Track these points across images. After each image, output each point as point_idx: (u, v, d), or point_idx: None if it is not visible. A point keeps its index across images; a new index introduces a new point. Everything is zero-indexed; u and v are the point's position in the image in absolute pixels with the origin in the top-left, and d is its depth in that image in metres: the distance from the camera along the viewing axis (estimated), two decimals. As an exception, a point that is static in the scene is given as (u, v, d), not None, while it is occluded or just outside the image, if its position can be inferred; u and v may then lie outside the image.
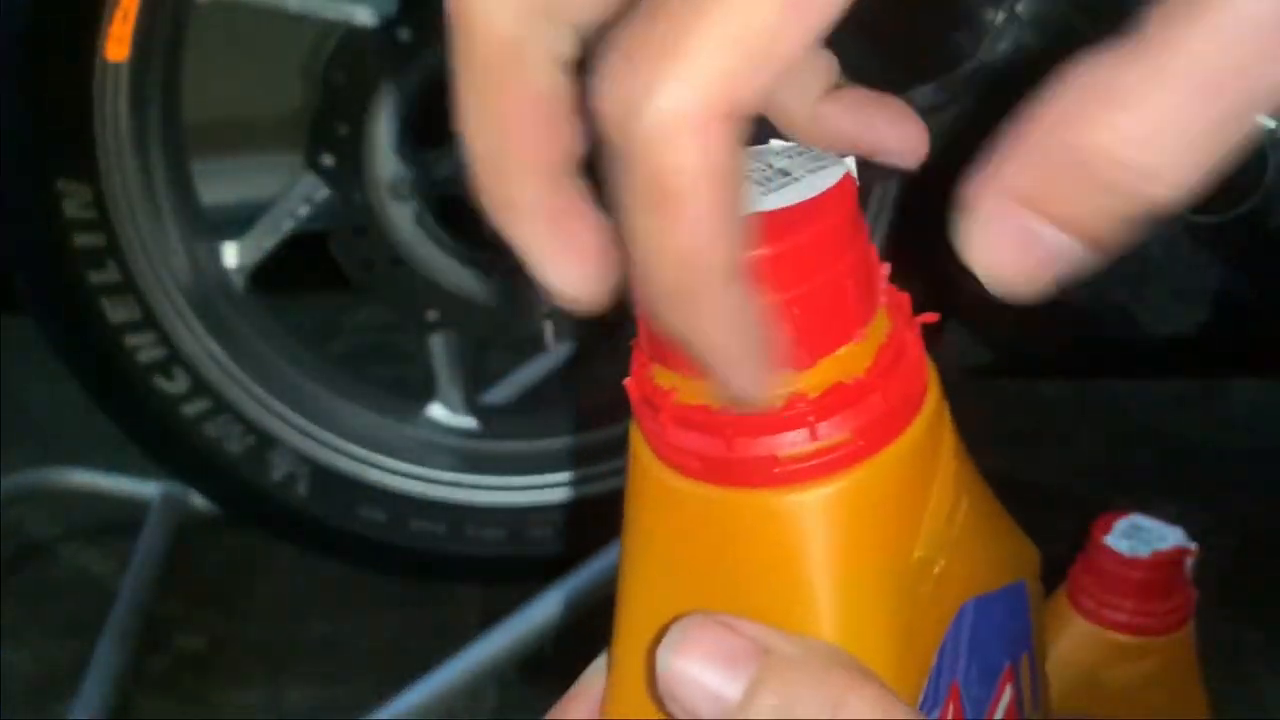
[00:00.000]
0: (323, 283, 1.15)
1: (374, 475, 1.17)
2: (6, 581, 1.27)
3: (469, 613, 1.21)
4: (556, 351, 1.27)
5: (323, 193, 1.10)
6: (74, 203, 1.02)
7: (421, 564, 1.19)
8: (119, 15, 1.00)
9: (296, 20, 1.05)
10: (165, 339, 1.09)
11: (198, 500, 1.27)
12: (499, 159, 0.29)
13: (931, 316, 0.33)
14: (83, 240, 1.04)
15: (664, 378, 0.30)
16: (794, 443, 0.29)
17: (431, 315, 1.11)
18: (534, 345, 1.15)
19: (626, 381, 0.31)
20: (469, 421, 1.21)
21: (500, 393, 1.40)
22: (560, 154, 0.29)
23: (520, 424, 1.24)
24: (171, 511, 1.27)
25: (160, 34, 1.05)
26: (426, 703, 1.01)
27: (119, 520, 1.31)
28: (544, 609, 1.01)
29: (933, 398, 0.32)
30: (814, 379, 0.29)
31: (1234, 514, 1.32)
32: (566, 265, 0.30)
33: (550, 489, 1.19)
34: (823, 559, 0.30)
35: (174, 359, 1.09)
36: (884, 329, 0.31)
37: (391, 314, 1.12)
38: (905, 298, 0.32)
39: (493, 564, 1.19)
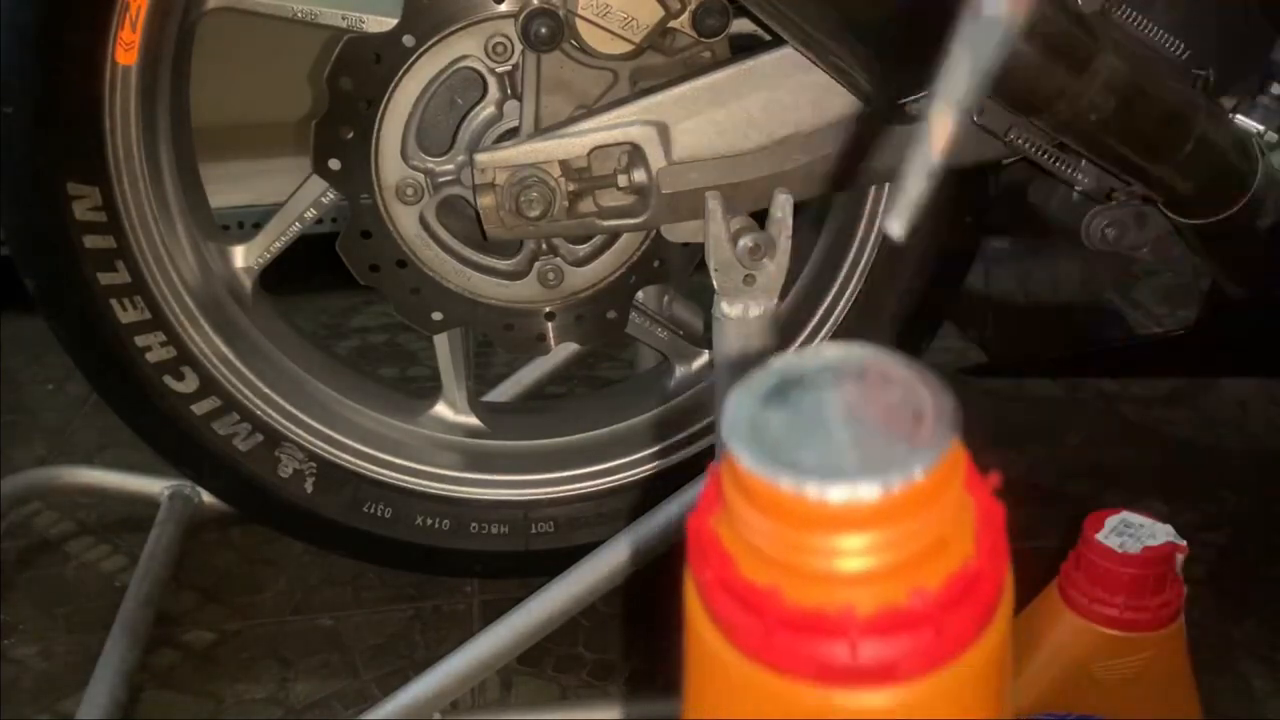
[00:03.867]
0: (329, 284, 1.15)
1: (379, 473, 1.18)
2: (17, 578, 1.28)
3: (472, 607, 1.22)
4: (557, 351, 1.28)
5: (330, 196, 1.10)
6: (84, 205, 1.03)
7: (426, 559, 1.20)
8: (128, 20, 1.00)
9: (303, 26, 1.05)
10: (174, 339, 1.09)
11: (206, 497, 1.28)
12: None
13: (995, 476, 0.31)
14: (93, 242, 1.04)
15: (759, 571, 0.29)
16: (832, 651, 0.28)
17: (436, 316, 1.12)
18: (537, 345, 1.16)
19: (697, 565, 0.30)
20: (473, 420, 1.22)
21: (503, 392, 1.41)
22: None
23: (522, 423, 1.26)
24: (180, 509, 1.28)
25: (169, 39, 1.05)
26: (430, 696, 1.01)
27: (128, 517, 1.33)
28: (546, 603, 1.01)
29: (1000, 623, 0.30)
30: (869, 590, 0.28)
31: (1223, 511, 1.33)
32: None
33: (553, 486, 1.20)
34: None
35: (183, 359, 1.10)
36: (965, 550, 0.29)
37: (397, 315, 1.13)
38: (999, 511, 0.31)
39: (496, 559, 1.20)
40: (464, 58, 1.03)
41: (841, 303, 1.18)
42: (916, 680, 0.28)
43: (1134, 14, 0.94)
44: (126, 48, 1.01)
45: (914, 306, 1.16)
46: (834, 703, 0.28)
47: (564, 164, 0.97)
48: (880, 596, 0.28)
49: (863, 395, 0.31)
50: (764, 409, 0.31)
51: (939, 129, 0.30)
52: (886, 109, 0.93)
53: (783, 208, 0.93)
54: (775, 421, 0.30)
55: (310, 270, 1.18)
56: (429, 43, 1.02)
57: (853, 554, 0.28)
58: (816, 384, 0.31)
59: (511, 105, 1.04)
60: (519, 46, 1.01)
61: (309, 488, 1.16)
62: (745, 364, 0.95)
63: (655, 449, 1.21)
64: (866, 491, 0.28)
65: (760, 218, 0.96)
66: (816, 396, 0.31)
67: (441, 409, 1.21)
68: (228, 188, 1.22)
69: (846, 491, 0.28)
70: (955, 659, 0.29)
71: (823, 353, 0.32)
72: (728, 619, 0.30)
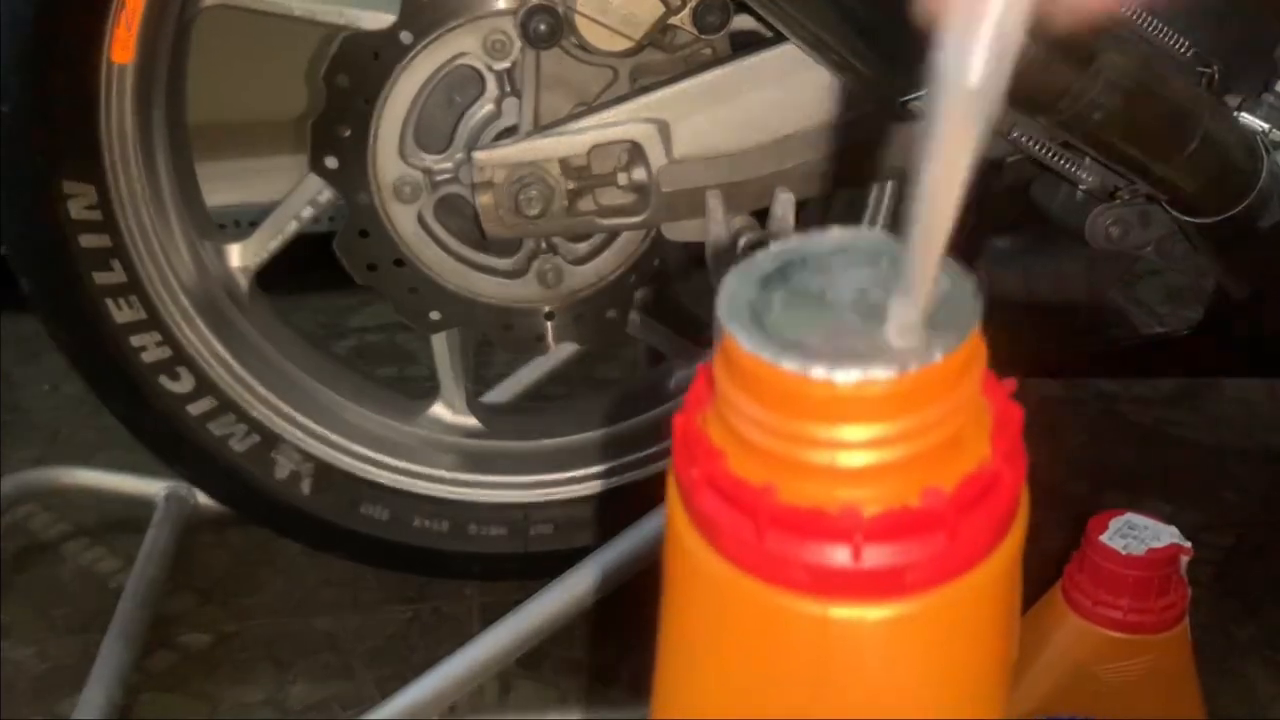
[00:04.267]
0: (326, 283, 1.15)
1: (377, 474, 1.17)
2: (12, 580, 1.27)
3: (471, 609, 1.21)
4: (557, 351, 1.27)
5: (327, 194, 1.10)
6: (79, 204, 1.02)
7: (424, 561, 1.19)
8: (124, 18, 0.99)
9: (300, 23, 1.05)
10: (170, 339, 1.09)
11: (202, 499, 1.27)
12: None
13: (1011, 381, 0.28)
14: (88, 241, 1.04)
15: (752, 468, 0.26)
16: (832, 557, 0.25)
17: (434, 315, 1.12)
18: (536, 345, 1.15)
19: (681, 464, 0.28)
20: (471, 420, 1.21)
21: (502, 392, 1.40)
22: None
23: (521, 423, 1.25)
24: (176, 510, 1.28)
25: (165, 37, 1.05)
26: (428, 699, 1.01)
27: (124, 518, 1.32)
28: (545, 606, 1.01)
29: (1015, 535, 0.27)
30: (876, 489, 0.25)
31: (1227, 512, 1.32)
32: None
33: (552, 487, 1.20)
34: (842, 676, 0.26)
35: (179, 359, 1.09)
36: (981, 452, 0.27)
37: (395, 314, 1.12)
38: (1017, 415, 0.28)
39: (495, 561, 1.19)
40: (462, 55, 1.03)
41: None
42: (925, 593, 0.26)
43: (1139, 11, 0.93)
44: (122, 46, 1.01)
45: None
46: (831, 616, 0.26)
47: (563, 162, 0.97)
48: (888, 496, 0.25)
49: (874, 279, 0.28)
50: (765, 292, 0.28)
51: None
52: (889, 106, 0.93)
53: (784, 206, 0.93)
54: (777, 304, 0.27)
55: (307, 269, 1.18)
56: (427, 40, 1.01)
57: (859, 446, 0.25)
58: (824, 266, 0.28)
59: (510, 103, 1.04)
60: (518, 43, 1.01)
61: (306, 489, 1.16)
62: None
63: (656, 450, 1.20)
64: (878, 374, 0.25)
65: (761, 216, 0.96)
66: (823, 279, 0.28)
67: (440, 409, 1.20)
68: (224, 186, 1.22)
69: (856, 374, 0.25)
70: (969, 570, 0.26)
71: (831, 234, 0.29)
72: (714, 521, 0.27)
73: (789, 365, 0.25)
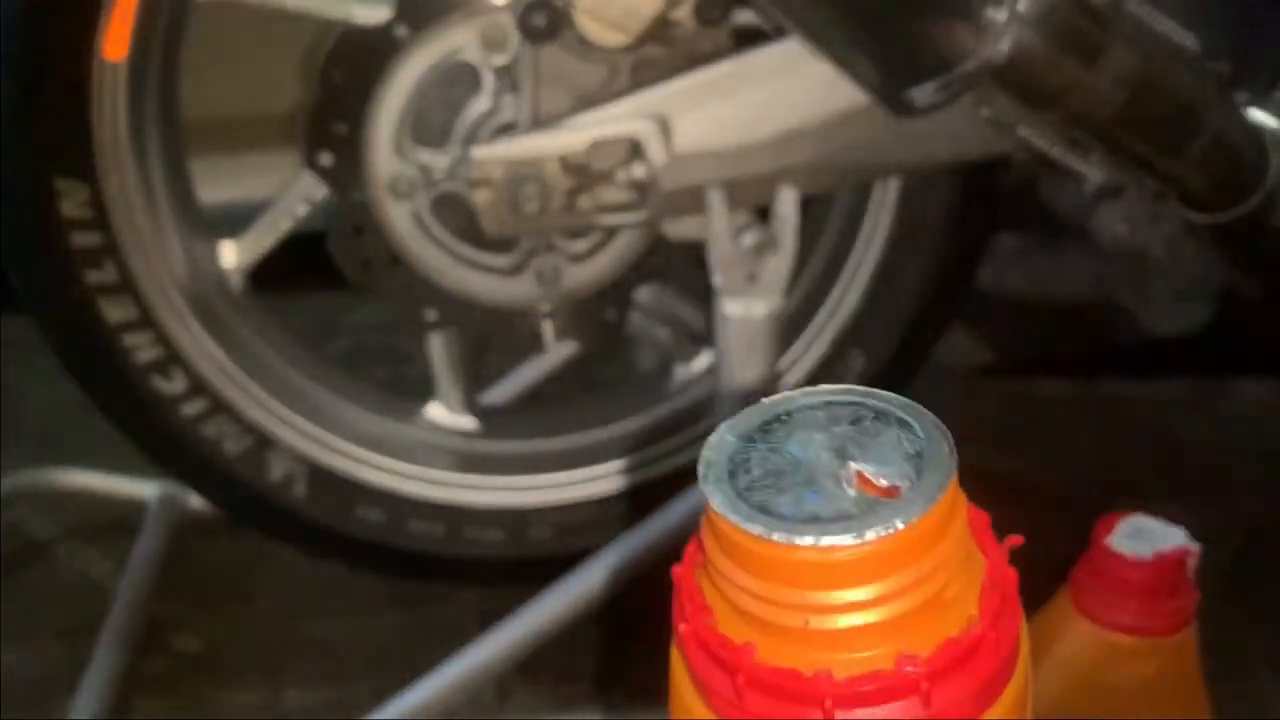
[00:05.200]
0: (321, 282, 1.15)
1: (372, 476, 1.16)
2: (4, 582, 1.27)
3: (467, 614, 1.21)
4: (556, 351, 1.27)
5: (321, 192, 1.10)
6: (71, 202, 1.02)
7: (420, 565, 1.19)
8: (117, 14, 0.99)
9: (295, 19, 1.05)
10: (163, 339, 1.08)
11: (196, 501, 1.27)
12: None
13: (1015, 539, 0.28)
14: (80, 239, 1.03)
15: (736, 626, 0.27)
16: (902, 712, 0.25)
17: (430, 315, 1.11)
18: (533, 345, 1.15)
19: (677, 618, 0.28)
20: (468, 422, 1.20)
21: (499, 393, 1.40)
22: None
23: (519, 424, 1.24)
24: (170, 512, 1.27)
25: (158, 33, 1.04)
26: (424, 704, 1.01)
27: (117, 521, 1.31)
28: (542, 610, 1.01)
29: (1007, 700, 0.27)
30: (852, 652, 0.25)
31: (1237, 514, 1.32)
32: None
33: (550, 489, 1.19)
34: None
35: (172, 359, 1.09)
36: (966, 614, 0.27)
37: (390, 314, 1.12)
38: (1011, 576, 0.28)
39: (491, 565, 1.18)
40: (459, 50, 1.03)
41: (847, 301, 1.17)
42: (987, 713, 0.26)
43: (1146, 6, 0.93)
44: (115, 42, 1.01)
45: (923, 304, 1.15)
46: None
47: (562, 159, 0.97)
48: (864, 660, 0.25)
49: (855, 438, 0.29)
50: (747, 450, 0.29)
51: None
52: (892, 101, 0.92)
53: (788, 204, 0.93)
54: (757, 464, 0.28)
55: (302, 268, 1.18)
56: (423, 34, 1.01)
57: (832, 610, 0.26)
58: (805, 424, 0.29)
59: (508, 99, 1.04)
60: (516, 38, 1.00)
61: (300, 491, 1.15)
62: (748, 364, 0.94)
63: (655, 450, 1.20)
64: (840, 540, 0.26)
65: (764, 214, 0.96)
66: (805, 437, 0.29)
67: (436, 410, 1.20)
68: (218, 183, 1.22)
69: (816, 539, 0.26)
70: (1012, 677, 0.27)
71: (816, 391, 0.30)
72: (702, 676, 0.28)
73: (757, 530, 0.26)
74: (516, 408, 1.37)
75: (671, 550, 1.01)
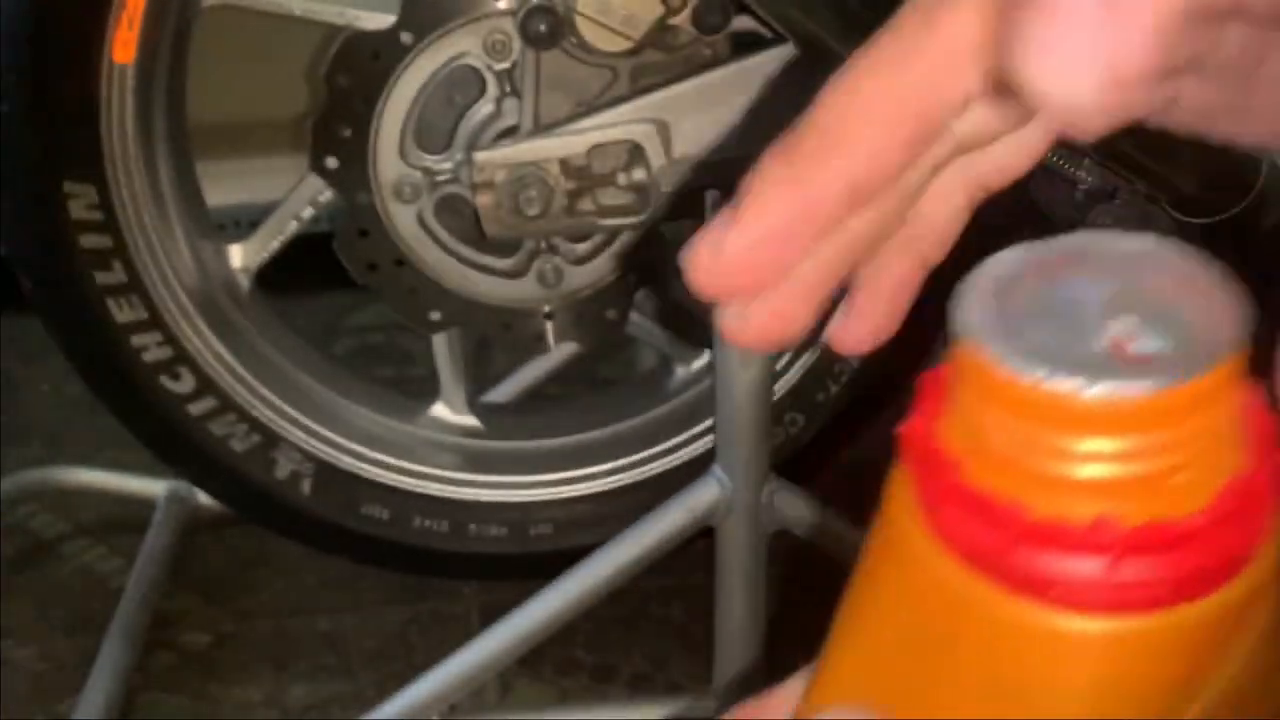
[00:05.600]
0: (327, 283, 1.15)
1: (377, 474, 1.17)
2: (13, 579, 1.28)
3: (471, 610, 1.21)
4: (557, 351, 1.27)
5: (327, 194, 1.10)
6: (80, 204, 1.02)
7: (424, 562, 1.19)
8: (125, 18, 0.99)
9: (301, 23, 1.05)
10: (171, 339, 1.09)
11: (203, 498, 1.27)
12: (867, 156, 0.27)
13: None
14: (89, 241, 1.04)
15: (958, 437, 0.26)
16: (1085, 570, 0.25)
17: (434, 315, 1.11)
18: (536, 345, 1.15)
19: (909, 425, 0.27)
20: (471, 420, 1.21)
21: (502, 392, 1.40)
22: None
23: (521, 423, 1.25)
24: (177, 510, 1.28)
25: (166, 37, 1.05)
26: (428, 699, 1.01)
27: (124, 518, 1.32)
28: (545, 606, 1.01)
29: (1266, 552, 0.26)
30: (1134, 503, 0.24)
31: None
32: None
33: (552, 487, 1.20)
34: (1070, 693, 0.26)
35: (180, 359, 1.09)
36: (1235, 461, 0.25)
37: (395, 314, 1.12)
38: (1273, 421, 0.27)
39: (494, 561, 1.19)
40: (462, 55, 1.03)
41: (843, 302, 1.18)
42: (1184, 605, 0.25)
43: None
44: (123, 45, 1.01)
45: (918, 304, 1.15)
46: (1086, 630, 0.25)
47: (563, 162, 0.97)
48: (1147, 507, 0.24)
49: (1130, 285, 0.26)
50: (1007, 296, 0.27)
51: None
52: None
53: None
54: (1020, 309, 0.26)
55: (308, 269, 1.18)
56: (427, 40, 1.02)
57: (1116, 458, 0.24)
58: (1072, 270, 0.27)
59: (510, 103, 1.04)
60: (518, 44, 1.01)
61: (306, 489, 1.15)
62: (747, 363, 0.95)
63: (656, 450, 1.20)
64: (1131, 390, 0.24)
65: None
66: (1073, 285, 0.27)
67: (440, 409, 1.20)
68: (225, 186, 1.22)
69: (1110, 389, 0.24)
70: (1229, 581, 0.25)
71: (1080, 238, 0.28)
72: (961, 536, 0.26)
73: (1037, 377, 0.25)
74: (519, 407, 1.38)
75: (671, 546, 1.02)
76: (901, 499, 0.27)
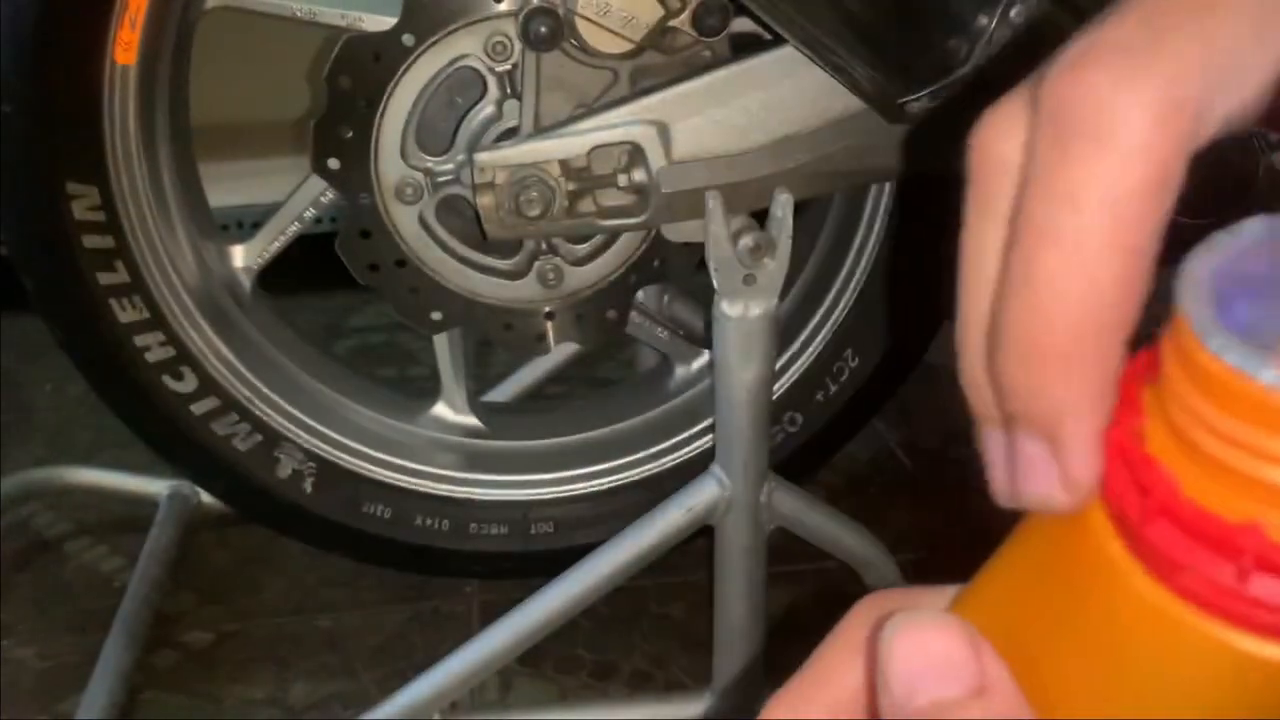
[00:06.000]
0: (329, 284, 1.15)
1: (378, 473, 1.17)
2: (15, 578, 1.28)
3: (471, 608, 1.22)
4: (557, 351, 1.28)
5: (329, 195, 1.10)
6: (83, 205, 1.02)
7: (425, 560, 1.20)
8: (127, 20, 0.99)
9: (303, 25, 1.05)
10: (173, 339, 1.09)
11: (205, 498, 1.28)
12: (1034, 327, 0.25)
13: None
14: (92, 242, 1.04)
15: (1166, 451, 0.23)
16: None
17: (436, 315, 1.12)
18: (536, 345, 1.16)
19: (1112, 432, 0.25)
20: (472, 420, 1.21)
21: (503, 392, 1.41)
22: (1121, 332, 0.25)
23: (522, 423, 1.25)
24: (179, 509, 1.28)
25: (168, 38, 1.05)
26: (429, 697, 1.01)
27: (127, 517, 1.32)
28: (545, 604, 1.01)
29: None
30: None
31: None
32: (1085, 479, 0.25)
33: (552, 486, 1.20)
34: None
35: (182, 359, 1.10)
36: None
37: (396, 314, 1.12)
38: None
39: (495, 560, 1.20)
40: (463, 57, 1.03)
41: (842, 302, 1.18)
42: None
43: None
44: (125, 47, 1.01)
45: (916, 305, 1.16)
46: None
47: (564, 163, 0.97)
48: None
49: None
50: (1226, 284, 0.24)
51: None
52: (887, 107, 0.93)
53: (783, 207, 0.93)
54: (1241, 307, 0.23)
55: (309, 270, 1.18)
56: (428, 42, 1.02)
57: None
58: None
59: (511, 104, 1.04)
60: (519, 45, 1.01)
61: (308, 488, 1.16)
62: (746, 363, 0.95)
63: (655, 449, 1.21)
64: None
65: (760, 217, 0.96)
66: None
67: (441, 409, 1.21)
68: (227, 187, 1.22)
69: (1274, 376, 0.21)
70: None
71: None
72: (1176, 561, 0.23)
73: (1215, 347, 0.22)
74: (519, 406, 1.38)
75: (671, 545, 1.02)
76: (1097, 510, 0.25)
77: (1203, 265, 0.24)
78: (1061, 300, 0.24)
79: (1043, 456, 0.25)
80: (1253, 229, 0.25)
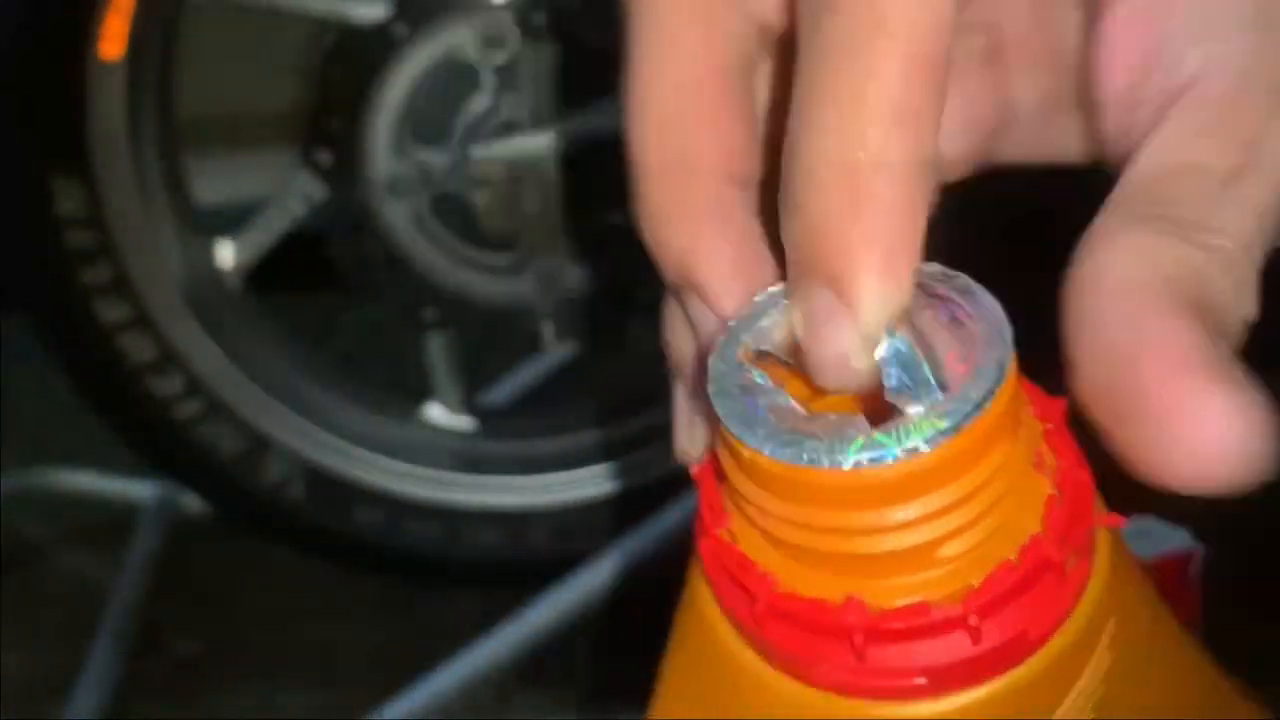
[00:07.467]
0: (318, 282, 1.15)
1: (370, 477, 1.16)
2: (0, 584, 1.26)
3: (466, 616, 1.20)
4: (555, 351, 1.27)
5: (318, 191, 1.10)
6: (67, 200, 1.02)
7: (418, 567, 1.19)
8: (113, 13, 0.99)
9: (292, 17, 1.05)
10: (159, 339, 1.08)
11: (192, 502, 1.26)
12: (676, 143, 0.25)
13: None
14: (75, 239, 1.03)
15: (754, 546, 0.24)
16: (948, 650, 0.22)
17: (428, 315, 1.11)
18: (532, 345, 1.15)
19: (700, 535, 0.25)
20: (466, 422, 1.20)
21: (498, 393, 1.40)
22: (747, 149, 0.25)
23: (518, 425, 1.24)
24: (166, 514, 1.27)
25: (155, 31, 1.04)
26: (423, 707, 1.01)
27: (113, 522, 1.31)
28: (541, 613, 1.01)
29: (1104, 547, 0.24)
30: (973, 552, 0.22)
31: (1239, 515, 1.31)
32: (732, 292, 0.25)
33: (550, 491, 1.19)
34: None
35: (167, 359, 1.09)
36: (1027, 530, 0.23)
37: (388, 314, 1.12)
38: (1058, 408, 0.24)
39: (490, 567, 1.18)
40: (458, 48, 1.03)
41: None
42: (955, 693, 0.23)
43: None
44: (111, 40, 1.01)
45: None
46: (848, 713, 0.23)
47: (562, 158, 0.97)
48: (900, 587, 0.22)
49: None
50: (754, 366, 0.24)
51: None
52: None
53: None
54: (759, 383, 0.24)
55: (299, 267, 1.18)
56: (422, 33, 1.01)
57: (863, 533, 0.22)
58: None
59: (507, 97, 1.04)
60: (515, 37, 1.00)
61: (297, 493, 1.15)
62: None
63: (656, 453, 1.20)
64: (869, 457, 0.22)
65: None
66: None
67: (435, 411, 1.20)
68: (215, 182, 1.22)
69: (843, 460, 0.22)
70: (998, 674, 0.23)
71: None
72: (723, 595, 0.25)
73: (771, 454, 0.23)
74: (515, 408, 1.37)
75: (670, 553, 1.01)
76: (703, 604, 0.25)
77: (722, 359, 0.24)
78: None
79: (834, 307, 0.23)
80: (762, 302, 0.25)
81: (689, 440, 0.28)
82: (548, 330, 1.13)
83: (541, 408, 1.36)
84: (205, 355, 1.11)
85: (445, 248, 1.09)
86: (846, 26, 0.22)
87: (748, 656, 0.25)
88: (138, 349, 1.08)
